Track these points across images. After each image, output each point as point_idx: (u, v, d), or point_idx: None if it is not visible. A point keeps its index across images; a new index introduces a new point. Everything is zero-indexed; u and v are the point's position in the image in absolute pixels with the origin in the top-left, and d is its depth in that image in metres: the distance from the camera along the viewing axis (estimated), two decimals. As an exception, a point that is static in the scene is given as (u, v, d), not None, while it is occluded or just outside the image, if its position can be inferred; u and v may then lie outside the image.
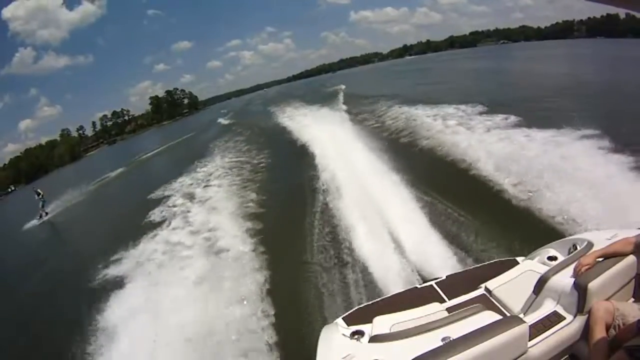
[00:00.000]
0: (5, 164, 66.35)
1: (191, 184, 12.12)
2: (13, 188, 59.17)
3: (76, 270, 8.83)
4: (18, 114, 78.33)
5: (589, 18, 67.68)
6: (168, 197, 11.43)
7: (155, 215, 9.94)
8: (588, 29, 65.83)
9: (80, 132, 75.57)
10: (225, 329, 4.60)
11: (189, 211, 9.26)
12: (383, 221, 6.00)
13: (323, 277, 5.28)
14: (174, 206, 10.21)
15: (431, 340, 1.98)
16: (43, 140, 71.44)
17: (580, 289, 2.21)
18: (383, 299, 3.22)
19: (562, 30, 69.75)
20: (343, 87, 31.25)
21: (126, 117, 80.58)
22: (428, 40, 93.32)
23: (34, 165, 64.07)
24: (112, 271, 7.18)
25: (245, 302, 5.01)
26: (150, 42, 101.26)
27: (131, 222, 10.07)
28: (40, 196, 18.60)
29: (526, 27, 79.55)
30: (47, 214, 18.26)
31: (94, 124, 77.59)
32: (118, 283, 6.52)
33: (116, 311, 5.49)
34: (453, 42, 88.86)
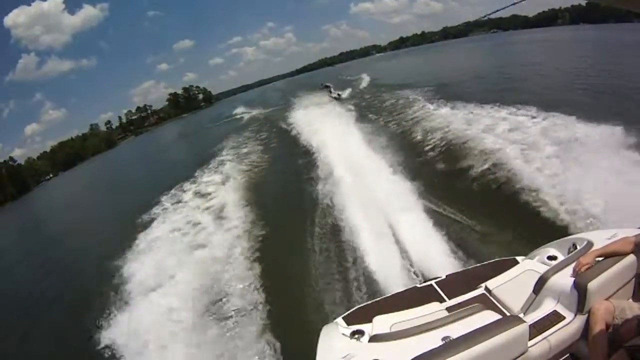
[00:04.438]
0: (36, 157, 66.31)
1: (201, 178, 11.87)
2: (51, 176, 60.25)
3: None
4: (24, 119, 76.65)
5: (572, 6, 65.01)
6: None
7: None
8: (571, 17, 63.37)
9: (108, 126, 76.01)
10: (225, 328, 4.50)
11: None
12: (383, 221, 5.73)
13: (323, 276, 5.07)
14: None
15: (431, 340, 1.85)
16: (49, 143, 70.11)
17: (580, 288, 2.06)
18: (383, 298, 3.10)
19: (548, 18, 67.45)
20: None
21: (149, 111, 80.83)
22: (423, 32, 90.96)
23: (70, 155, 64.69)
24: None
25: (245, 302, 4.87)
26: (152, 43, 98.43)
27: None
28: (329, 87, 23.82)
29: (516, 16, 76.94)
30: (339, 95, 21.67)
31: (120, 118, 77.93)
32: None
33: None
34: (447, 33, 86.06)
